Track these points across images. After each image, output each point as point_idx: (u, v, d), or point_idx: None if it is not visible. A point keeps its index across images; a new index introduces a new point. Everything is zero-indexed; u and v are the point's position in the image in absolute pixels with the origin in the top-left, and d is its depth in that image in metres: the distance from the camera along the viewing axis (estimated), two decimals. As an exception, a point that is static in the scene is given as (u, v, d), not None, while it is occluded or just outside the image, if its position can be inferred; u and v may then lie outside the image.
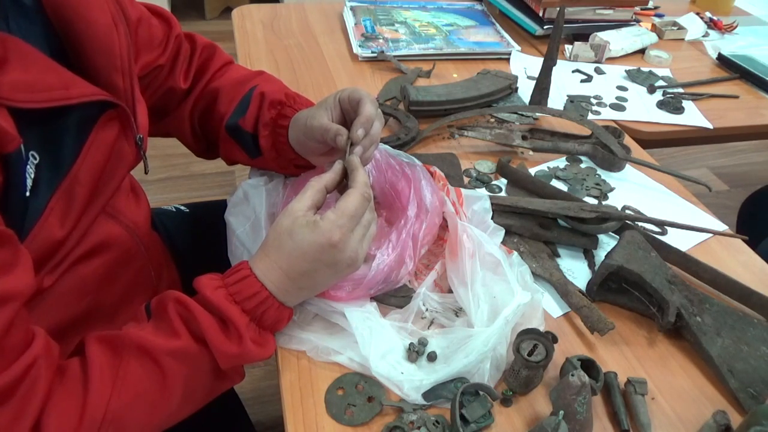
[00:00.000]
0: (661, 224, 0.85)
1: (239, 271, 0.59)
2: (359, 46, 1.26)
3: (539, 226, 0.82)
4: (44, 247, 0.55)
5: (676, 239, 0.84)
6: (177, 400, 0.57)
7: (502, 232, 0.77)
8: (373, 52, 1.24)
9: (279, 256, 0.59)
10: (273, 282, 0.59)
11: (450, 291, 0.70)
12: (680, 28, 1.50)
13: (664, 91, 1.24)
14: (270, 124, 0.78)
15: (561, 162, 1.01)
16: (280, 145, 0.78)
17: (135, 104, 0.65)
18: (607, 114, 1.15)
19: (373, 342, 0.64)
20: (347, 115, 0.72)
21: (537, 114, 1.09)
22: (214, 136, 0.84)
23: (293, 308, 0.63)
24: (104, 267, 0.67)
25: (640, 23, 1.47)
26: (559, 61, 1.11)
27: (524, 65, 1.28)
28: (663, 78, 1.29)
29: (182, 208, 1.00)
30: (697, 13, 1.58)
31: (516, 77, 1.16)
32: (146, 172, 0.71)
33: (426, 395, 0.61)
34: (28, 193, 0.51)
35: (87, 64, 0.60)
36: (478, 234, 0.71)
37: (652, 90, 1.24)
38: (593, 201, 0.91)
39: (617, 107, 1.18)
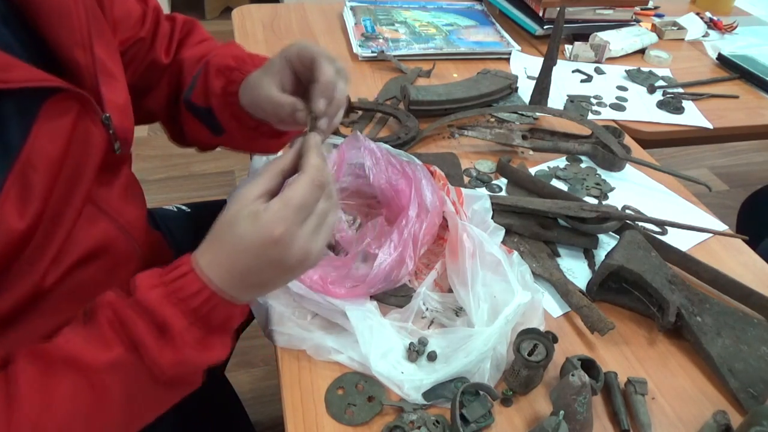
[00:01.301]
0: (661, 224, 0.85)
1: (180, 267, 0.53)
2: (359, 45, 1.26)
3: (539, 225, 0.82)
4: (6, 240, 0.51)
5: (676, 239, 0.84)
6: (118, 417, 0.51)
7: (503, 231, 0.77)
8: (373, 52, 1.24)
9: (221, 248, 0.53)
10: (217, 277, 0.52)
11: (450, 290, 0.70)
12: (680, 28, 1.50)
13: (664, 91, 1.24)
14: (220, 93, 0.70)
15: (561, 162, 1.01)
16: (238, 115, 0.71)
17: (99, 81, 0.59)
18: (607, 114, 1.15)
19: (373, 341, 0.64)
20: (301, 76, 0.63)
21: (537, 114, 1.09)
22: (180, 115, 0.79)
23: (250, 302, 0.57)
24: (101, 271, 0.65)
25: (640, 23, 1.47)
26: (559, 61, 1.11)
27: (524, 65, 1.28)
28: (663, 78, 1.29)
29: (183, 207, 1.00)
30: (697, 13, 1.58)
31: (516, 77, 1.16)
32: (116, 152, 0.64)
33: (426, 395, 0.61)
34: None
35: (48, 39, 0.55)
36: (479, 233, 0.71)
37: (652, 90, 1.24)
38: (593, 201, 0.91)
39: (617, 107, 1.18)
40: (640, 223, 0.85)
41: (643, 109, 1.18)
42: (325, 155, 0.56)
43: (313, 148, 0.55)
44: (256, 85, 0.63)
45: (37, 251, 0.55)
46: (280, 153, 0.80)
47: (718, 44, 1.45)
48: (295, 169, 0.55)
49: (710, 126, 1.15)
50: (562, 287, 0.75)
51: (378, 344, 0.64)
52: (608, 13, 1.41)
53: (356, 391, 0.62)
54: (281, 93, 0.61)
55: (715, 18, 1.58)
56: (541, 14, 1.36)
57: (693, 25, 1.52)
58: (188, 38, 0.82)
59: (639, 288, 0.73)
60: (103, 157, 0.61)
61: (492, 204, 0.79)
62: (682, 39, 1.50)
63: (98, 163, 0.60)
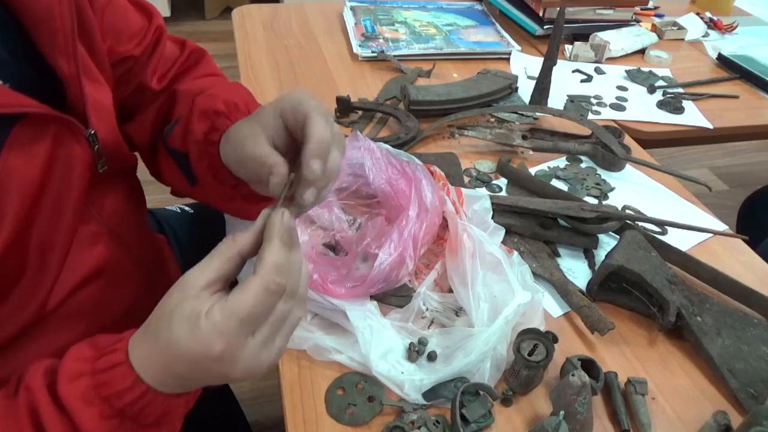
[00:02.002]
0: (661, 224, 0.85)
1: (114, 351, 0.44)
2: (359, 45, 1.26)
3: (539, 225, 0.82)
4: None
5: (676, 239, 0.84)
6: None
7: (503, 231, 0.77)
8: (373, 52, 1.24)
9: (157, 345, 0.44)
10: (151, 375, 0.44)
11: (450, 290, 0.70)
12: (680, 28, 1.50)
13: (664, 91, 1.24)
14: (201, 140, 0.61)
15: (561, 162, 1.01)
16: (215, 168, 0.61)
17: (84, 93, 0.54)
18: (607, 114, 1.15)
19: (373, 341, 0.64)
20: (294, 133, 0.53)
21: (537, 114, 1.09)
22: (159, 153, 0.71)
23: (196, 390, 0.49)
24: (103, 288, 0.62)
25: (640, 23, 1.47)
26: (559, 61, 1.11)
27: (524, 65, 1.28)
28: (663, 78, 1.29)
29: (186, 208, 0.99)
30: (697, 13, 1.58)
31: (516, 77, 1.16)
32: (98, 170, 0.59)
33: (426, 395, 0.61)
34: None
35: (35, 43, 0.51)
36: (479, 233, 0.71)
37: (652, 90, 1.24)
38: (593, 201, 0.91)
39: (617, 107, 1.18)
40: (640, 223, 0.85)
41: (643, 109, 1.18)
42: (296, 238, 0.46)
43: (277, 234, 0.44)
44: (241, 136, 0.54)
45: (36, 277, 0.54)
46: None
47: (718, 44, 1.45)
48: (256, 250, 0.46)
49: (710, 126, 1.15)
50: (562, 287, 0.75)
51: (378, 344, 0.64)
52: (608, 13, 1.41)
53: (356, 391, 0.62)
54: (272, 150, 0.51)
55: (715, 18, 1.58)
56: (541, 14, 1.36)
57: (693, 25, 1.52)
58: (192, 70, 0.74)
59: (639, 288, 0.73)
60: (90, 176, 0.57)
61: (492, 204, 0.79)
62: (682, 39, 1.50)
63: (86, 183, 0.56)
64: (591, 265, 0.81)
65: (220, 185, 0.63)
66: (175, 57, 0.74)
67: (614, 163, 0.98)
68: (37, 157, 0.51)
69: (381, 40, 1.30)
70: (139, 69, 0.70)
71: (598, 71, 1.30)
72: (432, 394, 0.61)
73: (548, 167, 0.99)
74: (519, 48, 1.33)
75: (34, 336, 0.57)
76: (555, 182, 0.95)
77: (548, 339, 0.63)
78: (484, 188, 0.92)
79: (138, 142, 0.73)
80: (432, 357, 0.64)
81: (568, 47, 1.36)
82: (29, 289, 0.54)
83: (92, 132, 0.56)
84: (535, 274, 0.75)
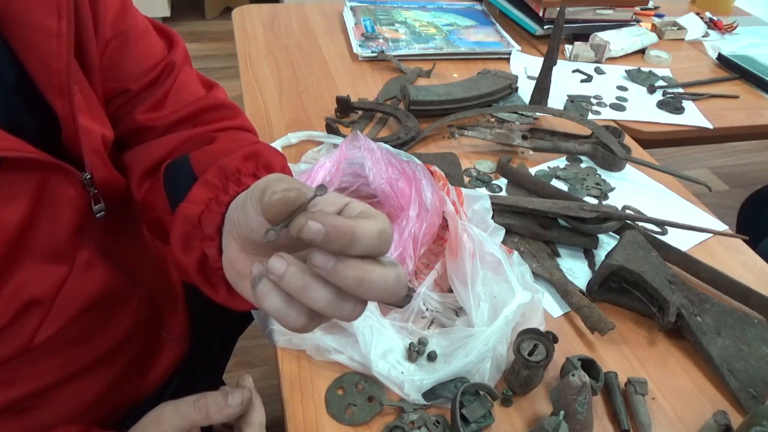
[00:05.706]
0: (661, 224, 0.85)
1: None
2: (359, 45, 1.26)
3: (539, 225, 0.82)
4: None
5: (676, 239, 0.84)
6: None
7: (503, 231, 0.77)
8: (373, 52, 1.24)
9: None
10: None
11: (450, 290, 0.70)
12: (680, 28, 1.50)
13: (664, 91, 1.24)
14: (232, 175, 0.49)
15: (561, 162, 1.01)
16: (211, 207, 0.47)
17: (79, 133, 0.50)
18: (607, 114, 1.15)
19: (373, 341, 0.63)
20: None
21: (537, 114, 1.09)
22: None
23: None
24: (99, 316, 0.60)
25: (640, 23, 1.47)
26: (559, 61, 1.11)
27: (524, 65, 1.28)
28: (663, 78, 1.29)
29: None
30: (697, 13, 1.58)
31: (516, 77, 1.16)
32: (95, 215, 0.55)
33: (426, 395, 0.61)
34: None
35: (32, 77, 0.48)
36: (479, 233, 0.71)
37: (652, 90, 1.24)
38: (593, 201, 0.91)
39: (617, 107, 1.18)
40: (640, 223, 0.85)
41: (643, 109, 1.18)
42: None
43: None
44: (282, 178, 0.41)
45: (21, 319, 0.51)
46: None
47: (718, 44, 1.45)
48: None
49: (710, 126, 1.15)
50: (562, 287, 0.75)
51: (378, 344, 0.64)
52: (608, 13, 1.41)
53: (356, 391, 0.62)
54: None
55: (715, 18, 1.58)
56: (541, 14, 1.36)
57: (693, 25, 1.52)
58: (223, 119, 0.64)
59: (639, 288, 0.73)
60: (83, 219, 0.54)
61: (492, 204, 0.79)
62: (682, 39, 1.50)
63: (78, 226, 0.54)
64: (591, 265, 0.81)
65: (195, 233, 0.49)
66: (193, 99, 0.65)
67: (614, 163, 0.98)
68: (21, 203, 0.48)
69: (381, 40, 1.30)
70: (133, 104, 0.63)
71: (598, 71, 1.30)
72: (432, 394, 0.61)
73: (548, 167, 0.99)
74: (519, 48, 1.33)
75: (24, 363, 0.55)
76: (555, 182, 0.95)
77: (548, 339, 0.63)
78: (484, 188, 0.93)
79: (126, 169, 0.64)
80: (432, 357, 0.64)
81: (568, 47, 1.36)
82: (17, 327, 0.52)
83: (88, 176, 0.52)
84: (535, 274, 0.75)
